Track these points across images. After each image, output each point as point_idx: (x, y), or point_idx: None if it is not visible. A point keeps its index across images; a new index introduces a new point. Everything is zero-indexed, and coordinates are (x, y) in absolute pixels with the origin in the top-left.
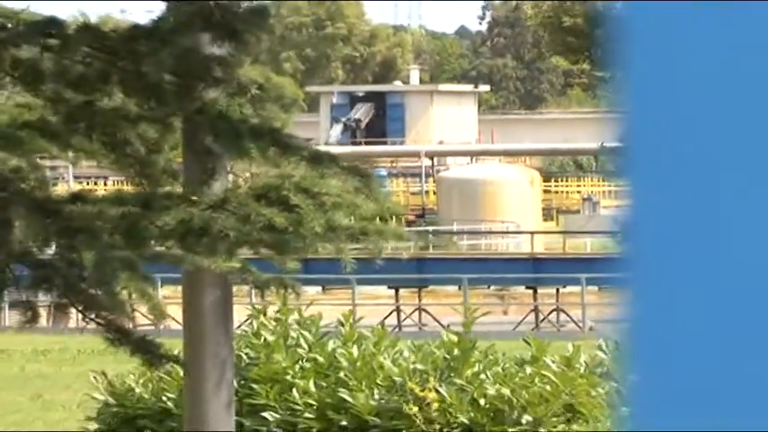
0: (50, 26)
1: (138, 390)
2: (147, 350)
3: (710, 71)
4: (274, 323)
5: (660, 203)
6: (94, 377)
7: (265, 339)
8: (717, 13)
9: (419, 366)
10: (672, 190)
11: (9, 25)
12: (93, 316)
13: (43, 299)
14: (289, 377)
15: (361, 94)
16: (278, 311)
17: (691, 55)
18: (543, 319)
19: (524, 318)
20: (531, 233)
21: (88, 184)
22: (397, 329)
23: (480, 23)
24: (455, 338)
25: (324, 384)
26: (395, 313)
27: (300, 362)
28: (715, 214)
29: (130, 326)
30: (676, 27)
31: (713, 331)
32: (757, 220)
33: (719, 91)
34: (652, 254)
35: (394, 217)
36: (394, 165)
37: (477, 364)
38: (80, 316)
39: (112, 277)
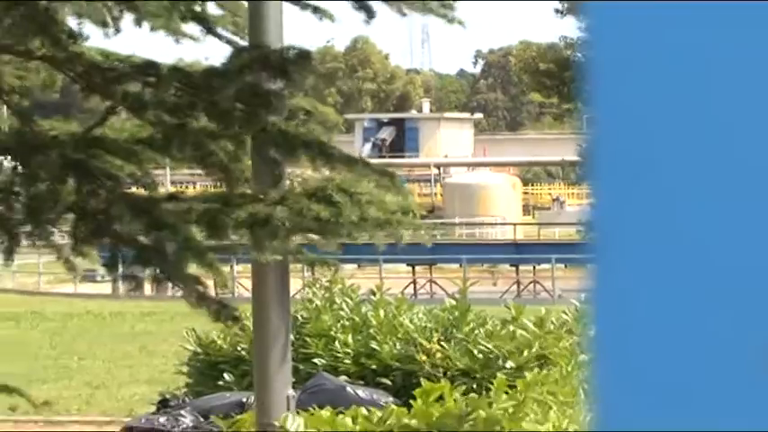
0: (149, 68)
1: (219, 342)
2: (219, 310)
3: (668, 80)
4: (323, 291)
5: (617, 200)
6: (186, 333)
7: (315, 304)
8: (677, 20)
9: (429, 325)
10: (628, 189)
11: (119, 66)
12: (178, 285)
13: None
14: (333, 332)
15: (385, 120)
16: (328, 281)
17: (650, 64)
18: (523, 289)
19: (508, 288)
20: (514, 224)
21: (181, 186)
22: (413, 297)
23: (474, 67)
24: (454, 303)
25: (359, 338)
26: (412, 285)
27: (342, 321)
28: (666, 209)
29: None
30: (638, 36)
31: (666, 317)
32: (705, 211)
33: (674, 100)
34: (610, 242)
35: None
36: (410, 173)
37: (471, 323)
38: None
39: (185, 262)
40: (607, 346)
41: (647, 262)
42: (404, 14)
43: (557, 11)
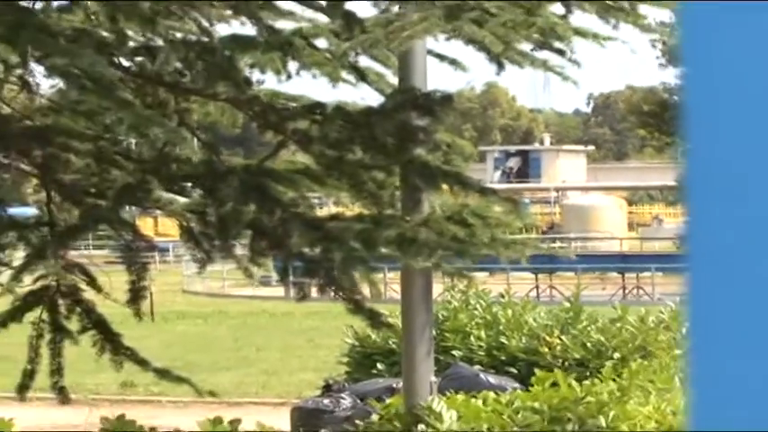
0: (316, 107)
1: (373, 337)
2: (372, 318)
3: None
4: (460, 295)
5: (708, 219)
6: (346, 329)
7: (454, 305)
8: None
9: (549, 322)
10: (716, 209)
11: (291, 105)
12: (340, 294)
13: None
14: (468, 329)
15: (512, 151)
16: (464, 286)
17: (734, 102)
18: (628, 293)
19: (615, 292)
20: (620, 239)
21: (340, 207)
22: (536, 299)
23: (587, 107)
24: (570, 305)
25: (490, 333)
26: (534, 289)
27: (475, 319)
28: (750, 225)
29: (366, 298)
30: (723, 78)
31: (752, 324)
32: None
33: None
34: (702, 256)
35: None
36: (533, 196)
37: (584, 321)
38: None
39: (353, 269)
40: (700, 350)
41: (735, 272)
42: (522, 68)
43: (660, 64)
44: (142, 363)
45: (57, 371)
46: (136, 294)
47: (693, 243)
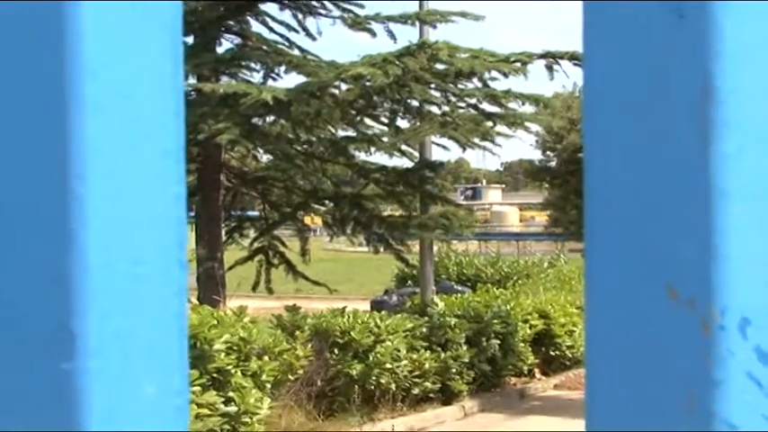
0: (383, 168)
1: (406, 269)
2: (405, 262)
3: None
4: (446, 249)
5: (602, 213)
6: (396, 266)
7: (442, 255)
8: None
9: (485, 262)
10: (608, 202)
11: (371, 166)
12: (393, 250)
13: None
14: (449, 266)
15: (468, 187)
16: (447, 246)
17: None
18: (521, 251)
19: (514, 250)
20: (517, 226)
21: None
22: (480, 252)
23: (501, 167)
24: (495, 255)
25: (459, 267)
26: (479, 248)
27: (452, 261)
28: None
29: (406, 252)
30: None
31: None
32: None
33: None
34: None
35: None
36: (478, 207)
37: (500, 262)
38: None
39: (398, 238)
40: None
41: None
42: (465, 149)
43: (537, 141)
44: (305, 278)
45: (267, 281)
46: (303, 250)
47: (589, 228)
